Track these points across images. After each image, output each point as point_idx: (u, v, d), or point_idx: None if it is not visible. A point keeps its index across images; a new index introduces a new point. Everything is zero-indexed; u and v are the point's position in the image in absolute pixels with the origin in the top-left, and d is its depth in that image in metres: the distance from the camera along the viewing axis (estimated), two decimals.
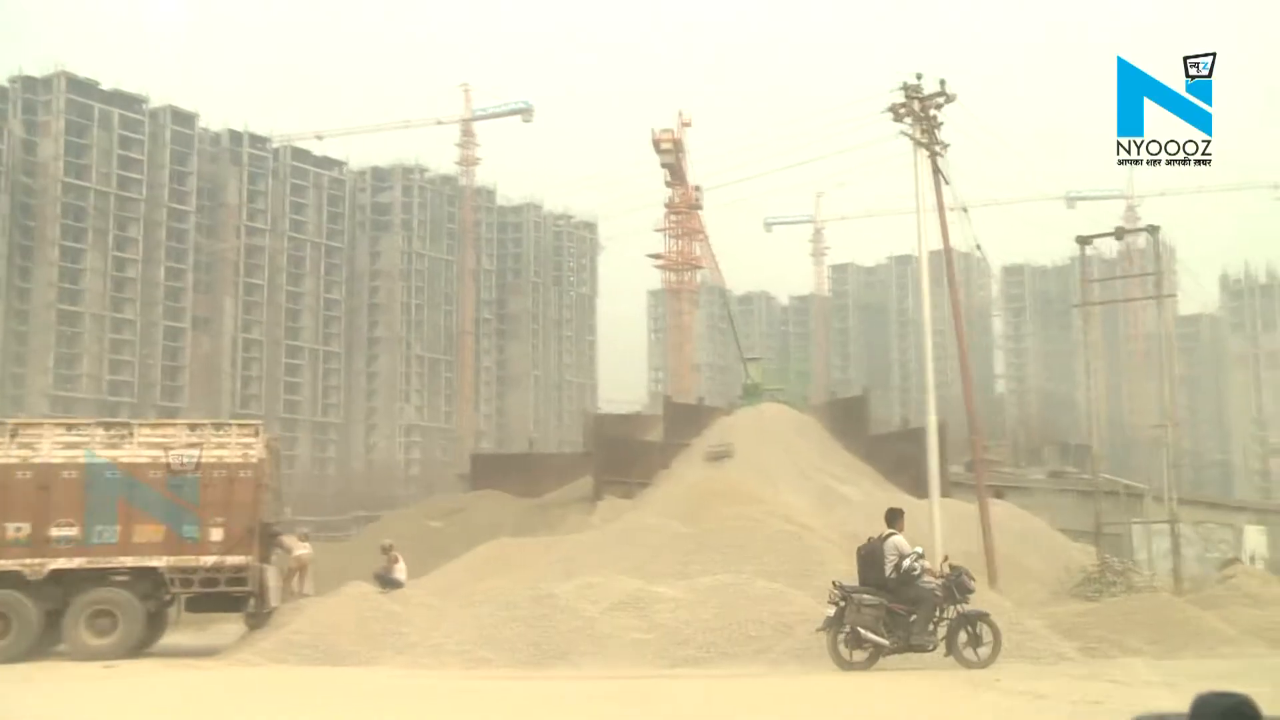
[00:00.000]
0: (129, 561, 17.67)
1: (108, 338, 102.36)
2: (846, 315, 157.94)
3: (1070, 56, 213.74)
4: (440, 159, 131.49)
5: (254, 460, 18.31)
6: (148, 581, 17.80)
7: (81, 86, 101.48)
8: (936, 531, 21.82)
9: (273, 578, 19.06)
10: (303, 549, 21.46)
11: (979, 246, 25.26)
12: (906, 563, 14.84)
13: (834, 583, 15.18)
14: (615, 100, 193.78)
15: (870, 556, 15.12)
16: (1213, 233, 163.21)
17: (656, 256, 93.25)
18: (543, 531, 32.19)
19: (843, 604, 14.54)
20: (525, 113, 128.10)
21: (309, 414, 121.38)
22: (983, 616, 15.07)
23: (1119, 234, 30.74)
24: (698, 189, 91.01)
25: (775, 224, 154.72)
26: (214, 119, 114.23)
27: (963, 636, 14.83)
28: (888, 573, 14.84)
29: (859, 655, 14.56)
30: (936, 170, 28.18)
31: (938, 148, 27.98)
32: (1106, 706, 9.84)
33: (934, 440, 22.67)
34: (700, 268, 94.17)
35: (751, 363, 54.86)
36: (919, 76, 22.22)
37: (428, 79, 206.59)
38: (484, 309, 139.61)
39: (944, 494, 40.41)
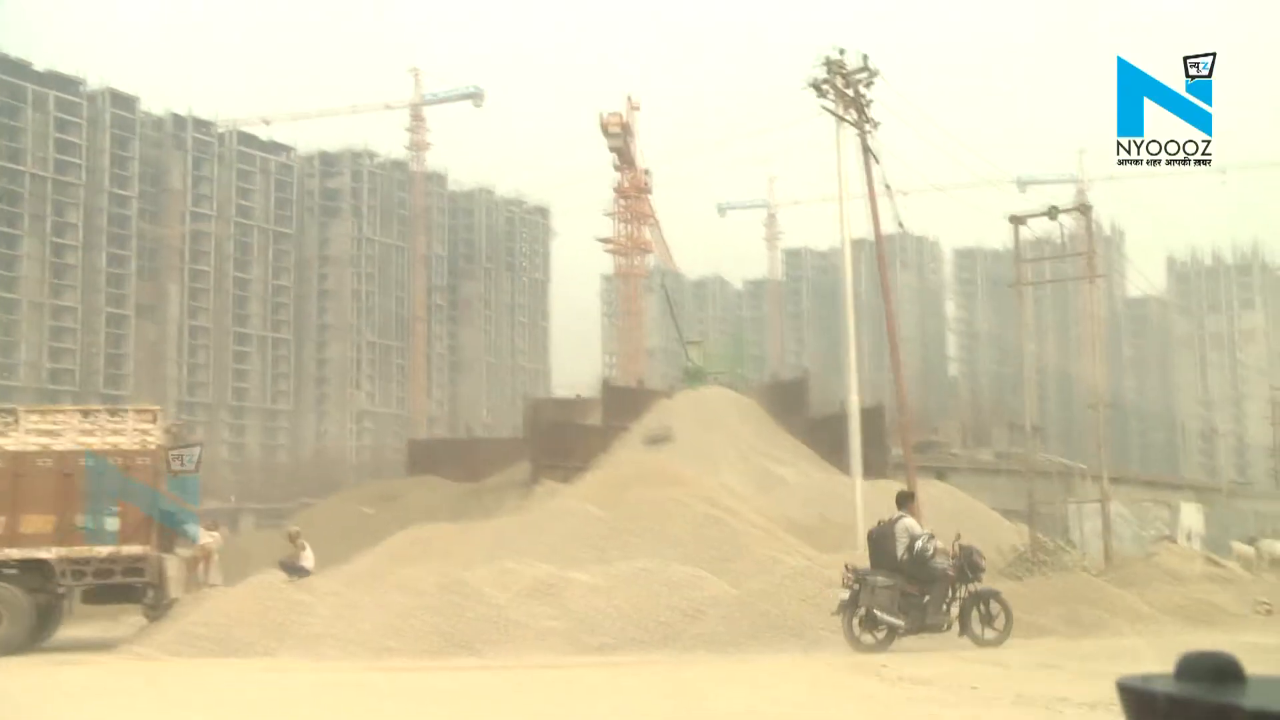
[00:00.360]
0: (15, 554, 17.00)
1: (48, 325, 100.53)
2: (801, 299, 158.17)
3: (1028, 45, 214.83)
4: (390, 144, 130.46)
5: (151, 447, 17.69)
6: (37, 574, 17.14)
7: (13, 67, 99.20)
8: (859, 513, 21.57)
9: (173, 568, 18.44)
10: (208, 537, 20.87)
11: (901, 224, 24.98)
12: (919, 544, 14.95)
13: (846, 565, 15.13)
14: (569, 85, 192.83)
15: (882, 539, 15.22)
16: (1161, 217, 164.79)
17: (606, 241, 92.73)
18: (477, 517, 31.71)
19: (857, 587, 14.51)
20: (476, 97, 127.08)
21: (258, 401, 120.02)
22: (994, 595, 15.21)
23: (1051, 213, 30.56)
24: (647, 173, 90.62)
25: (729, 208, 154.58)
26: (156, 103, 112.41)
27: (975, 615, 14.92)
28: (900, 554, 14.91)
29: (872, 638, 14.53)
30: (866, 149, 27.95)
31: (868, 126, 27.81)
32: (981, 692, 9.56)
33: (855, 422, 22.44)
34: (650, 252, 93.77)
35: (692, 346, 54.54)
36: (841, 52, 21.86)
37: (377, 63, 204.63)
38: (436, 295, 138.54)
39: (882, 475, 40.44)
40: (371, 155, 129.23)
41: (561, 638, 16.63)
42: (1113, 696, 1.69)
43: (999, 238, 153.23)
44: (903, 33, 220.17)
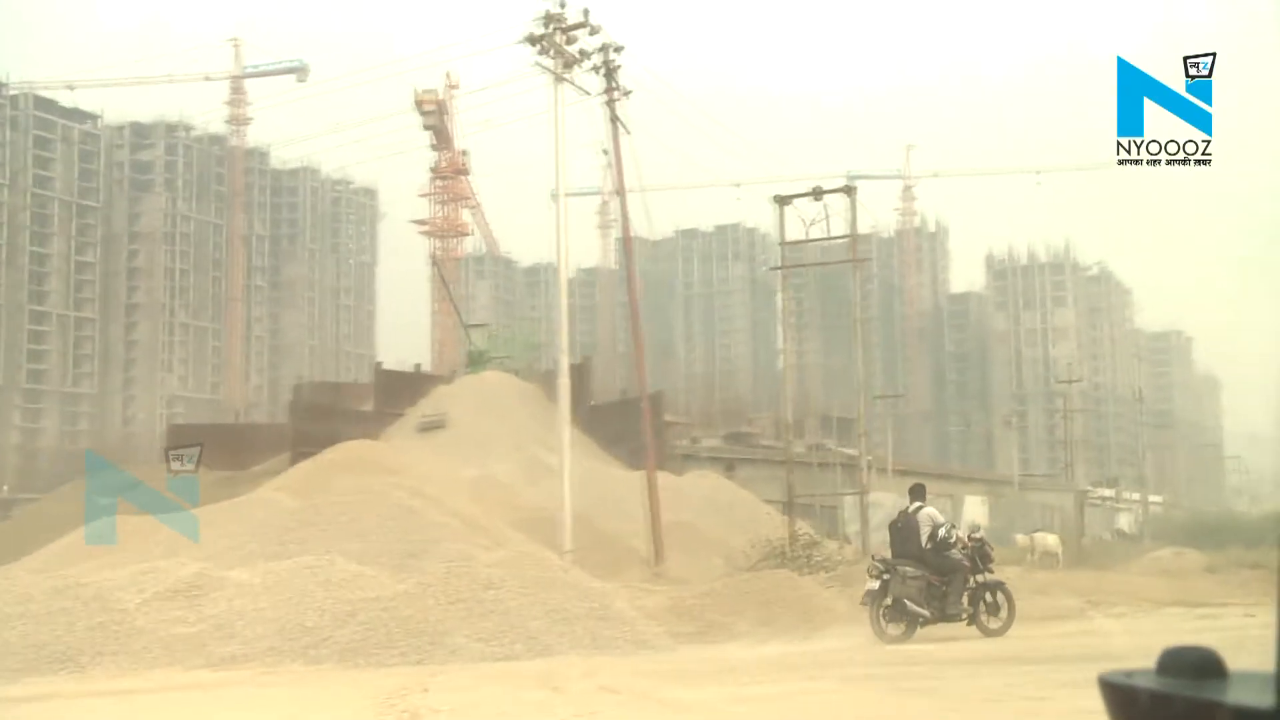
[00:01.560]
0: None
1: None
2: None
3: (862, 46, 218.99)
4: (209, 117, 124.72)
5: None
6: None
7: None
8: (566, 500, 20.09)
9: None
10: None
11: (616, 193, 23.71)
12: (942, 532, 15.22)
13: (873, 556, 15.88)
14: (398, 61, 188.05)
15: (905, 529, 15.32)
16: (982, 215, 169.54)
17: (421, 222, 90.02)
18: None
19: (886, 577, 14.62)
20: (300, 72, 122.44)
21: (57, 384, 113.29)
22: (1000, 585, 15.51)
23: (816, 194, 29.74)
24: (464, 153, 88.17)
25: (569, 196, 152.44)
26: None
27: (981, 605, 15.19)
28: (924, 543, 15.07)
29: (897, 628, 14.66)
30: (614, 118, 26.61)
31: (616, 94, 26.41)
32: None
33: (565, 402, 20.90)
34: (467, 234, 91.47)
35: (476, 329, 52.70)
36: (562, 5, 20.28)
37: (195, 33, 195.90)
38: (256, 275, 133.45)
39: (659, 466, 39.28)
40: (188, 128, 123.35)
41: (189, 647, 14.65)
42: None
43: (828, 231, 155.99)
44: (739, 32, 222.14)
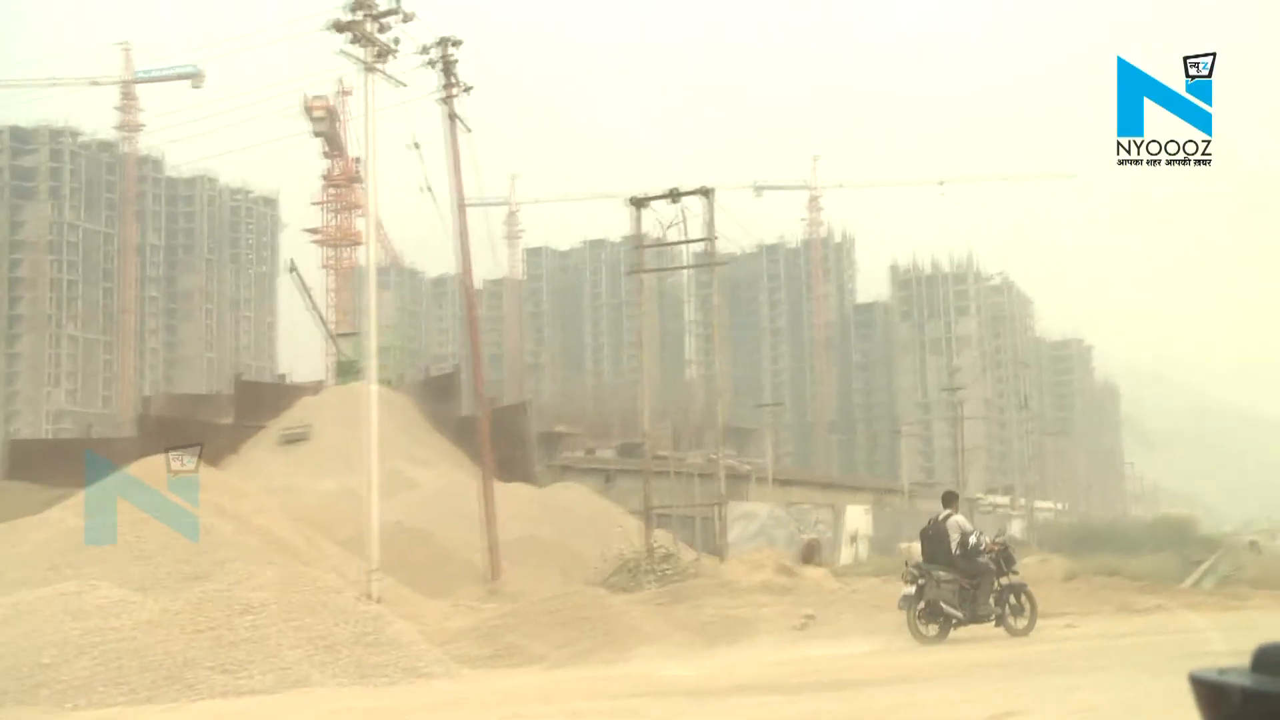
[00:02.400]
0: None
1: None
2: (540, 299, 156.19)
3: (767, 55, 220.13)
4: (98, 123, 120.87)
5: None
6: None
7: None
8: (374, 516, 18.82)
9: None
10: None
11: (429, 188, 22.67)
12: (973, 539, 15.63)
13: (906, 562, 16.34)
14: (295, 71, 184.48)
15: (936, 536, 15.76)
16: (888, 225, 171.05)
17: (314, 231, 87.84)
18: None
19: (922, 581, 15.13)
20: (195, 78, 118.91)
21: None
22: (1023, 588, 16.01)
23: (674, 196, 28.78)
24: (358, 161, 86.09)
25: (469, 205, 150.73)
26: None
27: (1007, 607, 15.66)
28: (953, 549, 15.48)
29: (932, 630, 15.15)
30: (453, 115, 25.51)
31: (456, 90, 25.28)
32: None
33: (374, 413, 19.63)
34: (361, 243, 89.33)
35: (345, 339, 51.09)
36: None
37: (83, 36, 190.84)
38: (150, 287, 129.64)
39: (526, 478, 38.12)
40: (74, 134, 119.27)
41: None
42: None
43: (736, 242, 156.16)
44: (650, 41, 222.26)
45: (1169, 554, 39.78)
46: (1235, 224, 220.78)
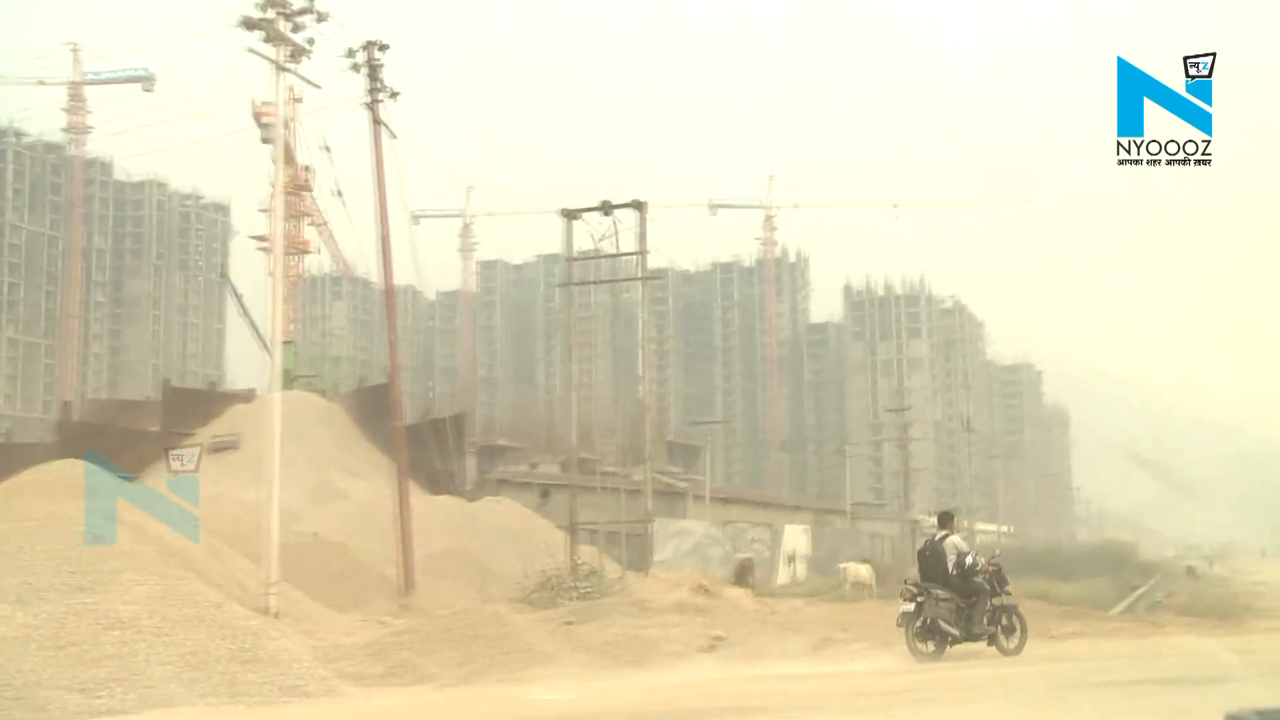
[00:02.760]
0: None
1: None
2: (494, 312, 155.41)
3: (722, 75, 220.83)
4: (45, 124, 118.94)
5: None
6: None
7: None
8: (273, 529, 18.23)
9: None
10: None
11: (339, 192, 22.26)
12: (969, 559, 15.88)
13: (905, 580, 16.51)
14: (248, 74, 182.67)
15: (933, 556, 16.00)
16: (842, 246, 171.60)
17: (261, 239, 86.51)
18: None
19: (921, 599, 15.37)
20: (146, 81, 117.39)
21: None
22: (1014, 609, 16.22)
23: (605, 209, 28.44)
24: (308, 169, 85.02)
25: (424, 216, 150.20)
26: None
27: (999, 627, 15.86)
28: (950, 569, 15.72)
29: (929, 647, 15.38)
30: (378, 121, 25.05)
31: (381, 96, 24.83)
32: None
33: (277, 423, 19.05)
34: (310, 252, 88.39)
35: (281, 347, 50.09)
36: None
37: (30, 35, 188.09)
38: (96, 291, 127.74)
39: (459, 491, 37.48)
40: (19, 134, 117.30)
41: None
42: None
43: (692, 260, 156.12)
44: (605, 61, 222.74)
45: (1107, 579, 39.86)
46: (1189, 251, 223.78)
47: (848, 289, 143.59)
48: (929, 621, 15.35)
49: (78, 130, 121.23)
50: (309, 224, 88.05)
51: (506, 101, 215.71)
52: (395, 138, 24.53)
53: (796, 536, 45.62)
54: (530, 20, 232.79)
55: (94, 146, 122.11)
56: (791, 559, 44.33)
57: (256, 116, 79.82)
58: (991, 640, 15.74)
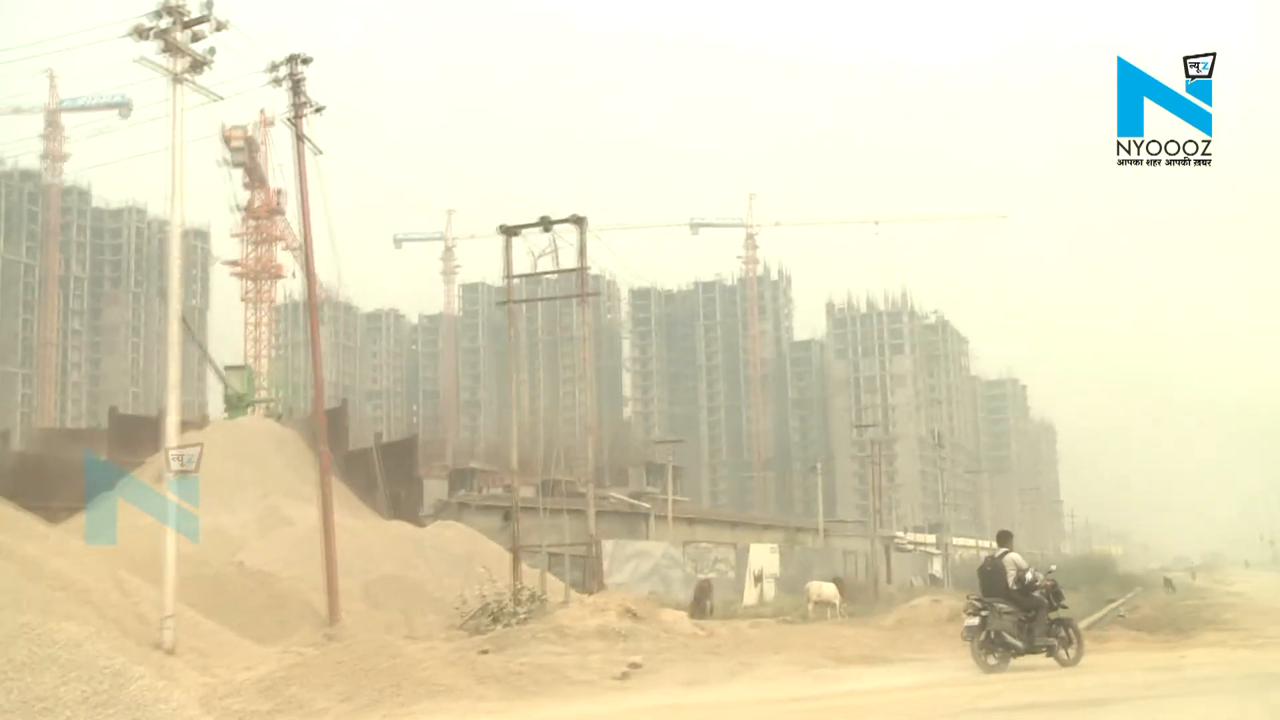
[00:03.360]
0: None
1: None
2: (477, 334, 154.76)
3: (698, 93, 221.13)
4: (21, 152, 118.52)
5: None
6: None
7: None
8: (170, 559, 17.53)
9: None
10: None
11: (239, 207, 21.55)
12: (1029, 575, 16.41)
13: (968, 596, 16.80)
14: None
15: (994, 572, 16.52)
16: (824, 263, 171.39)
17: (233, 263, 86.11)
18: None
19: (985, 613, 15.85)
20: (123, 108, 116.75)
21: None
22: (1071, 622, 16.92)
23: (545, 224, 27.86)
24: (280, 192, 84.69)
25: (405, 240, 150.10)
26: None
27: (1057, 639, 16.44)
28: (1010, 584, 16.27)
29: (994, 659, 15.83)
30: (301, 136, 24.44)
31: (307, 110, 24.24)
32: None
33: (172, 432, 18.39)
34: (282, 276, 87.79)
35: (234, 372, 49.62)
36: None
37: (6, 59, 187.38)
38: (74, 319, 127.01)
39: (411, 517, 36.77)
40: None
41: None
42: None
43: (673, 279, 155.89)
44: (587, 74, 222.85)
45: (1084, 592, 39.24)
46: (1170, 263, 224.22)
47: (830, 306, 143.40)
48: (993, 634, 15.79)
49: (55, 158, 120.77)
50: (283, 248, 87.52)
51: (487, 125, 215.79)
52: (320, 153, 23.93)
53: (764, 556, 44.92)
54: (512, 41, 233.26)
55: (72, 174, 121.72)
56: (759, 579, 43.62)
57: (226, 140, 79.42)
58: (1050, 652, 16.29)
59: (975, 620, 15.93)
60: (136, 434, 39.20)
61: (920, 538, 79.01)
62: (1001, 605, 15.98)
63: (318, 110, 24.39)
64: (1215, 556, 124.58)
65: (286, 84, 23.67)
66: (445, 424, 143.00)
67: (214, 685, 15.01)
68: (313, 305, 23.46)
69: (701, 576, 37.84)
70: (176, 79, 17.75)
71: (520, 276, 28.89)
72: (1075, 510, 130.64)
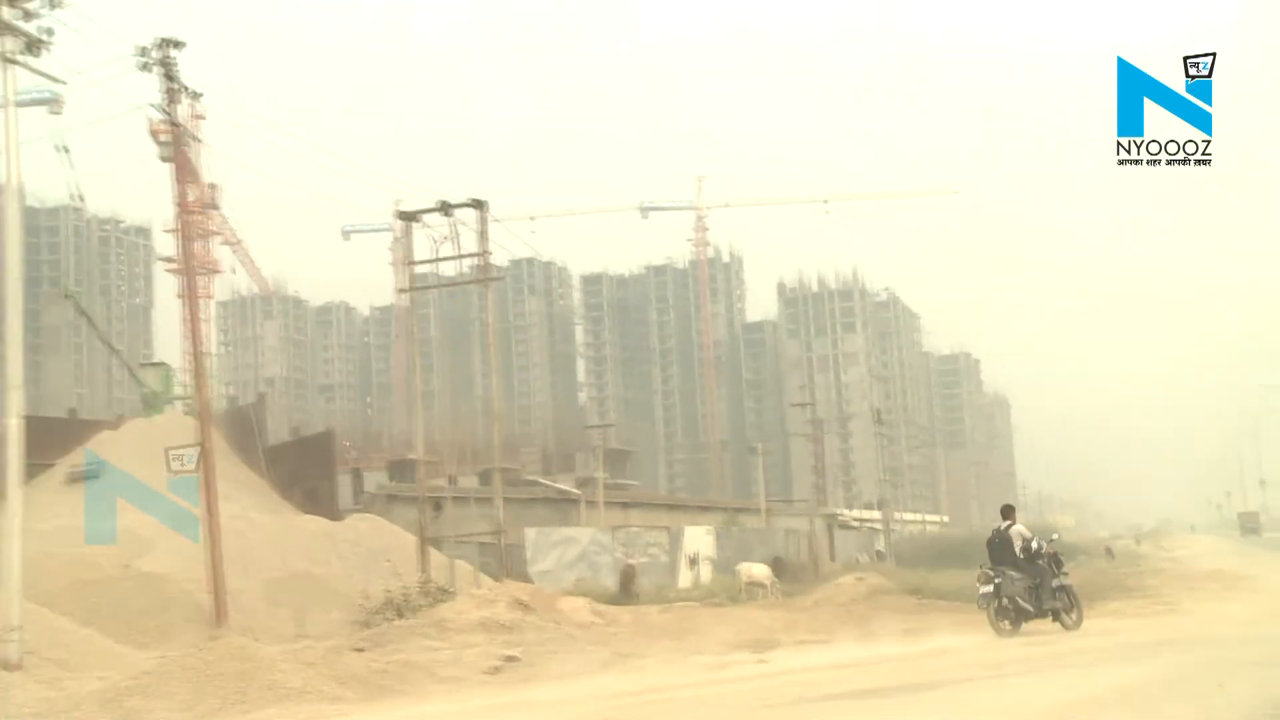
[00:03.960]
0: None
1: None
2: (429, 325, 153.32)
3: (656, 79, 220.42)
4: None
5: None
6: None
7: None
8: (15, 563, 16.76)
9: None
10: None
11: (81, 197, 20.82)
12: (1034, 544, 17.55)
13: (981, 566, 17.66)
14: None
15: (1002, 543, 17.59)
16: (775, 243, 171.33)
17: (169, 260, 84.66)
18: None
19: (999, 580, 16.99)
20: (53, 104, 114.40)
21: None
22: (1070, 588, 17.93)
23: (444, 209, 27.16)
24: (213, 186, 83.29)
25: (354, 231, 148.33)
26: None
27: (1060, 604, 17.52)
28: (1018, 553, 17.37)
29: (1006, 625, 17.08)
30: (175, 123, 23.71)
31: (185, 98, 23.48)
32: None
33: (14, 450, 17.61)
34: (218, 272, 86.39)
35: (151, 369, 48.52)
36: None
37: None
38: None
39: (330, 512, 35.96)
40: None
41: None
42: None
43: (624, 264, 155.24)
44: (539, 64, 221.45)
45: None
46: (1123, 236, 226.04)
47: (781, 286, 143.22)
48: (1006, 600, 16.90)
49: None
50: (220, 242, 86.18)
51: (436, 109, 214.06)
52: (200, 141, 23.16)
53: (699, 538, 44.39)
54: (462, 28, 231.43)
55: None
56: (694, 561, 43.10)
57: (154, 134, 77.77)
58: (1056, 616, 17.38)
59: (989, 588, 17.00)
60: (47, 435, 38.05)
61: (868, 514, 78.92)
62: (1012, 572, 17.04)
63: (195, 96, 23.64)
64: (1165, 523, 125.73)
65: (157, 70, 22.83)
66: (398, 416, 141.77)
67: (53, 699, 14.30)
68: (192, 298, 22.55)
69: (629, 561, 37.29)
70: (7, 60, 16.88)
71: (420, 262, 28.21)
72: (1029, 482, 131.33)
